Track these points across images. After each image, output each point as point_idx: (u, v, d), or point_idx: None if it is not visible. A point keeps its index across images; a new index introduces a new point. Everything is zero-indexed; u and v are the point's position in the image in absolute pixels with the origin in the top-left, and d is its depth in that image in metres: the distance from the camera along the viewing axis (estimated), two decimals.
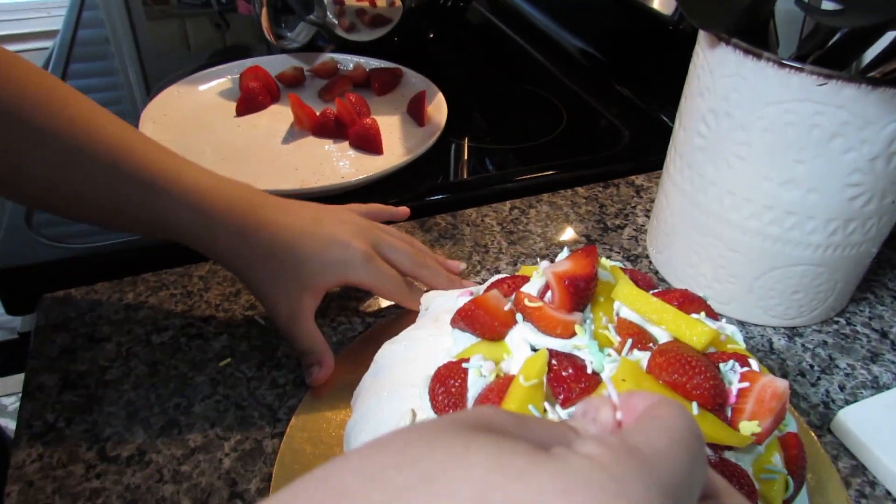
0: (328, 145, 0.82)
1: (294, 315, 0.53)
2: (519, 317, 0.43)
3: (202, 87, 0.90)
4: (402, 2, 0.99)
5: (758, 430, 0.37)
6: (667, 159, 0.67)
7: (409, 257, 0.58)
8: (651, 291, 0.45)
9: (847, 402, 0.57)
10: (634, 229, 0.77)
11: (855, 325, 0.65)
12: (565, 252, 0.47)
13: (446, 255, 0.69)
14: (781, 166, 0.54)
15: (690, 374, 0.37)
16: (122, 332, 0.59)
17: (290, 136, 0.84)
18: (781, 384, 0.39)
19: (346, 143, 0.82)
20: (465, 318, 0.42)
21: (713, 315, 0.45)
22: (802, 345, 0.63)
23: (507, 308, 0.43)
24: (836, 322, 0.66)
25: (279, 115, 0.88)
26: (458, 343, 0.44)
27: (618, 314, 0.44)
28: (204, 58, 1.08)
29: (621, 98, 1.02)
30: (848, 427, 0.53)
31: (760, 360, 0.59)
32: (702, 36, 0.58)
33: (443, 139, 0.84)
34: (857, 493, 0.50)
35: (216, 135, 0.82)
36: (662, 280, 0.70)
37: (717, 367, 0.40)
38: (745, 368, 0.40)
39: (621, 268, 0.48)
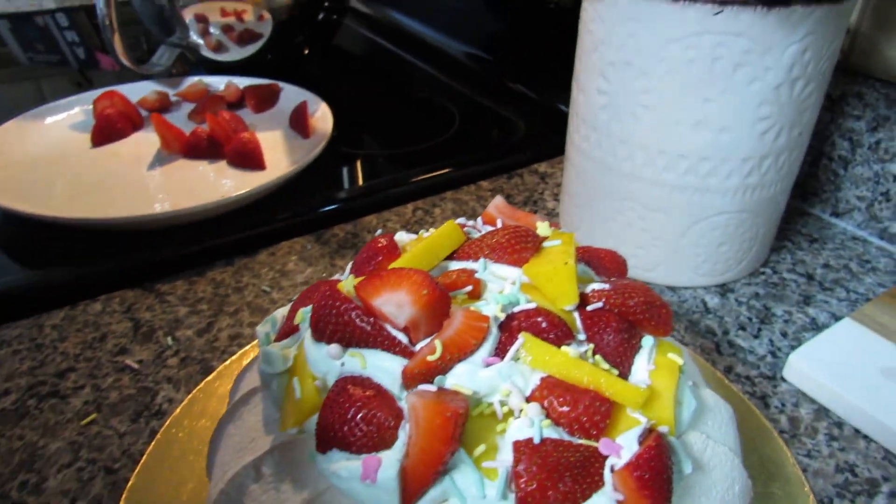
0: (202, 166, 0.74)
1: None
2: None
3: (49, 121, 0.80)
4: (272, 14, 0.93)
5: None
6: (569, 130, 0.64)
7: None
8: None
9: (793, 348, 0.54)
10: (546, 214, 0.73)
11: (781, 273, 0.63)
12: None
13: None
14: (690, 108, 0.51)
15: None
16: None
17: (158, 161, 0.75)
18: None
19: (224, 163, 0.74)
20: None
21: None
22: (736, 300, 0.60)
23: None
24: (763, 273, 0.63)
25: (144, 141, 0.78)
26: None
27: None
28: None
29: (514, 94, 0.99)
30: (801, 370, 0.50)
31: (696, 322, 0.56)
32: None
33: (334, 151, 0.78)
34: (827, 437, 0.47)
35: (69, 168, 0.72)
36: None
37: None
38: None
39: (582, 247, 0.41)
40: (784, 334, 0.56)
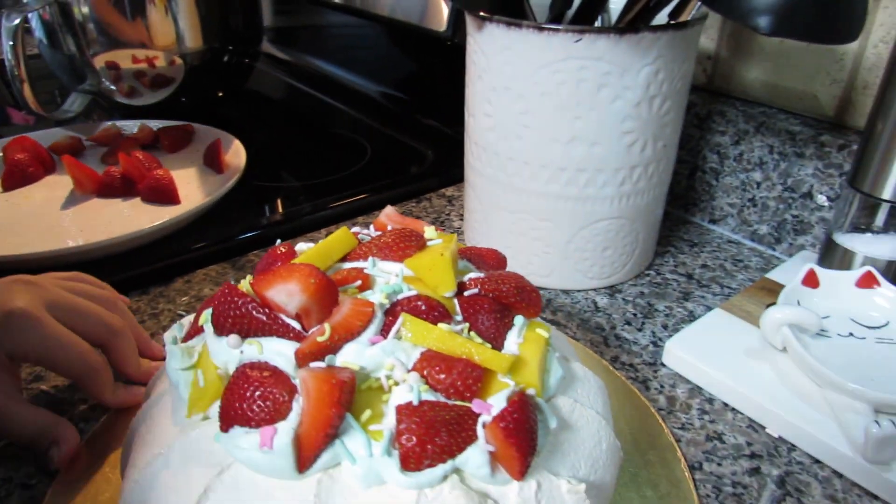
0: (117, 204, 0.76)
1: None
2: None
3: None
4: (184, 59, 0.96)
5: None
6: (465, 152, 0.69)
7: (99, 322, 0.45)
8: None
9: (671, 337, 0.60)
10: (452, 232, 0.78)
11: (664, 274, 0.70)
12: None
13: None
14: (563, 126, 0.58)
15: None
16: None
17: (72, 202, 0.76)
18: None
19: (138, 199, 0.76)
20: None
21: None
22: (623, 299, 0.65)
23: None
24: (648, 275, 0.69)
25: (57, 184, 0.80)
26: None
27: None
28: None
29: (425, 127, 1.05)
30: (676, 354, 0.56)
31: (587, 320, 0.61)
32: (469, 21, 0.61)
33: (249, 185, 0.81)
34: (699, 412, 0.52)
35: None
36: None
37: None
38: None
39: (467, 247, 0.45)
40: (665, 326, 0.62)
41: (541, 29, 0.55)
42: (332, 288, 0.35)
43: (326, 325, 0.34)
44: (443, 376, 0.33)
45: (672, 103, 0.59)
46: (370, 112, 1.13)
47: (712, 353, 0.55)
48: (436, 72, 1.02)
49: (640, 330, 0.61)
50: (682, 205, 0.81)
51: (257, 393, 0.32)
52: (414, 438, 0.31)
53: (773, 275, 0.65)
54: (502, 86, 0.59)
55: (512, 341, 0.37)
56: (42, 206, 0.75)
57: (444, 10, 0.90)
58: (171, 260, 0.67)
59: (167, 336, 0.40)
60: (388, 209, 0.47)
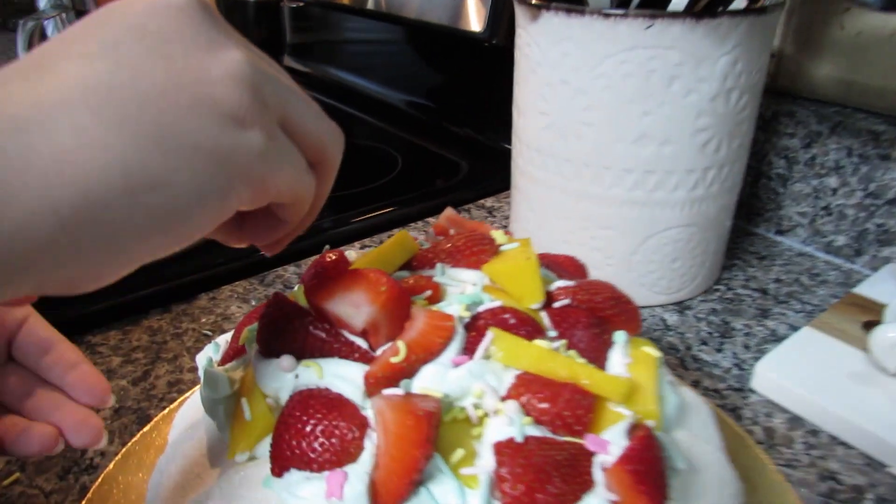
0: None
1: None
2: None
3: None
4: None
5: None
6: (513, 157, 0.63)
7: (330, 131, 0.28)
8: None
9: (757, 359, 0.53)
10: None
11: (735, 290, 0.63)
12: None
13: None
14: (630, 123, 0.52)
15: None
16: None
17: None
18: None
19: None
20: None
21: None
22: (694, 316, 0.59)
23: None
24: (717, 290, 0.63)
25: None
26: None
27: None
28: None
29: (457, 136, 1.00)
30: (768, 378, 0.49)
31: (658, 339, 0.55)
32: (520, 13, 0.56)
33: None
34: (805, 446, 0.45)
35: None
36: None
37: None
38: None
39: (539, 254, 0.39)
40: (746, 347, 0.55)
41: (606, 15, 0.49)
42: (405, 298, 0.29)
43: (400, 343, 0.27)
44: (547, 405, 0.27)
45: (749, 98, 0.53)
46: (395, 122, 1.07)
47: (811, 377, 0.48)
48: (468, 77, 0.97)
49: (719, 351, 0.55)
50: (744, 215, 0.74)
51: (319, 428, 0.26)
52: (521, 486, 0.24)
53: (861, 290, 0.58)
54: (559, 80, 0.53)
55: (617, 362, 0.31)
56: None
57: (480, 10, 0.85)
58: (195, 276, 0.61)
59: (201, 358, 0.34)
60: (449, 211, 0.41)
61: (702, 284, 0.61)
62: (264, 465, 0.27)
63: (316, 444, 0.25)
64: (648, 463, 0.26)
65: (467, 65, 0.95)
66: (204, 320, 0.57)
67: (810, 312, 0.59)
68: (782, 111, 0.68)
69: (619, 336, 0.32)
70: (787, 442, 0.45)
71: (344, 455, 0.25)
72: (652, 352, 0.32)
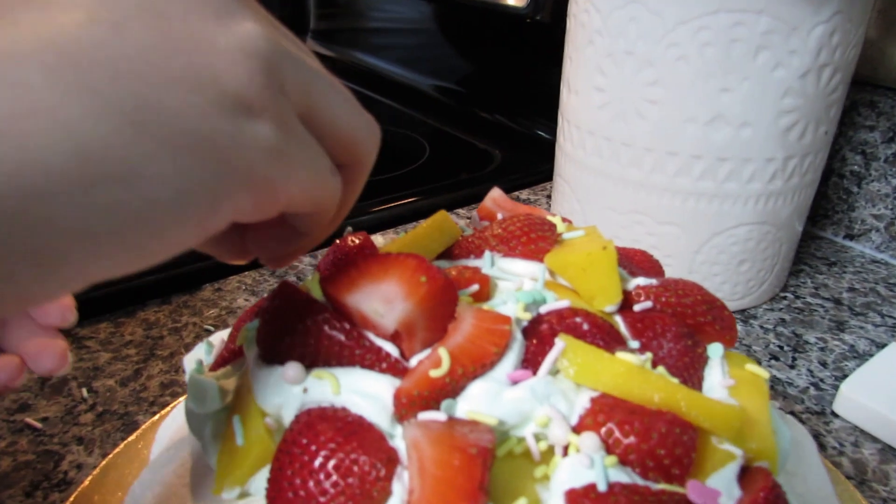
0: None
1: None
2: None
3: None
4: None
5: None
6: (558, 141, 0.57)
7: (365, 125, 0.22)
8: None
9: (837, 378, 0.46)
10: None
11: (804, 298, 0.56)
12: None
13: None
14: (704, 101, 0.45)
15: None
16: None
17: None
18: None
19: None
20: None
21: None
22: (761, 326, 0.52)
23: None
24: (784, 298, 0.56)
25: None
26: None
27: None
28: None
29: (489, 124, 0.93)
30: (855, 401, 0.42)
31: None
32: None
33: None
34: None
35: None
36: None
37: None
38: None
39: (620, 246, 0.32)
40: (823, 364, 0.48)
41: None
42: (451, 292, 0.22)
43: (443, 351, 0.21)
44: (634, 440, 0.20)
45: (842, 77, 0.46)
46: (422, 107, 1.01)
47: None
48: (503, 58, 0.90)
49: (792, 367, 0.47)
50: (809, 217, 0.67)
51: (332, 462, 0.19)
52: None
53: None
54: (622, 50, 0.46)
55: (715, 383, 0.24)
56: None
57: None
58: (199, 264, 0.55)
59: (188, 361, 0.27)
60: (496, 192, 0.34)
61: (768, 291, 0.54)
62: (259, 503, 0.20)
63: (327, 484, 0.19)
64: None
65: (503, 45, 0.88)
66: (207, 314, 0.50)
67: (893, 327, 0.52)
68: (862, 101, 0.61)
69: (715, 350, 0.25)
70: (883, 479, 0.38)
71: (364, 500, 0.19)
72: (758, 371, 0.25)
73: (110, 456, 0.35)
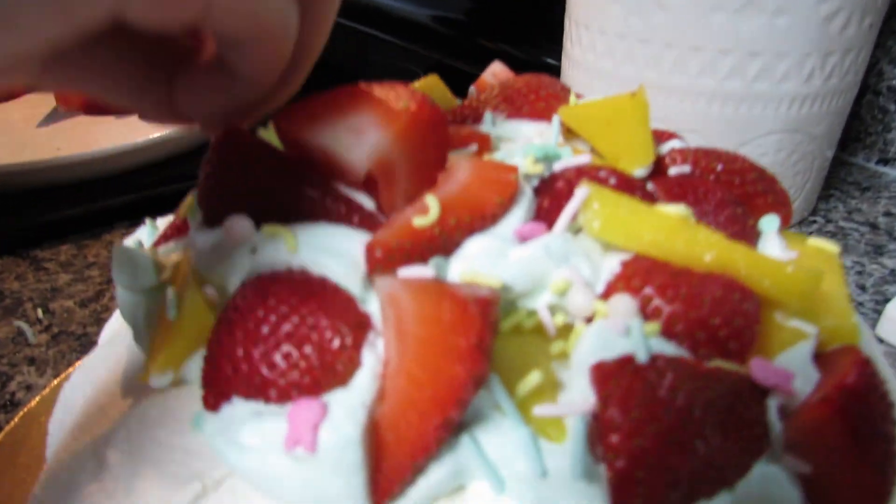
0: (109, 121, 0.59)
1: None
2: None
3: None
4: None
5: None
6: (565, 48, 0.51)
7: None
8: None
9: (877, 303, 0.41)
10: None
11: (836, 222, 0.51)
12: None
13: None
14: None
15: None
16: None
17: (53, 119, 0.60)
18: None
19: (136, 117, 0.59)
20: None
21: None
22: None
23: None
24: (815, 221, 0.51)
25: (38, 101, 0.63)
26: None
27: None
28: None
29: (493, 53, 0.87)
30: None
31: None
32: None
33: None
34: None
35: None
36: None
37: None
38: None
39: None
40: (862, 288, 0.43)
41: None
42: (441, 129, 0.17)
43: (431, 200, 0.16)
44: (678, 306, 0.15)
45: None
46: (421, 40, 0.95)
47: None
48: None
49: None
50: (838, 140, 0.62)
51: (285, 328, 0.14)
52: (644, 441, 0.13)
53: None
54: None
55: (774, 256, 0.19)
56: (16, 124, 0.59)
57: None
58: (178, 184, 0.50)
59: (127, 242, 0.22)
60: (496, 65, 0.30)
61: (797, 213, 0.49)
62: (195, 392, 0.16)
63: (277, 357, 0.14)
64: (869, 412, 0.14)
65: None
66: None
67: None
68: None
69: (769, 222, 0.21)
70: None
71: (324, 375, 0.14)
72: (826, 245, 0.20)
73: (62, 375, 0.31)
